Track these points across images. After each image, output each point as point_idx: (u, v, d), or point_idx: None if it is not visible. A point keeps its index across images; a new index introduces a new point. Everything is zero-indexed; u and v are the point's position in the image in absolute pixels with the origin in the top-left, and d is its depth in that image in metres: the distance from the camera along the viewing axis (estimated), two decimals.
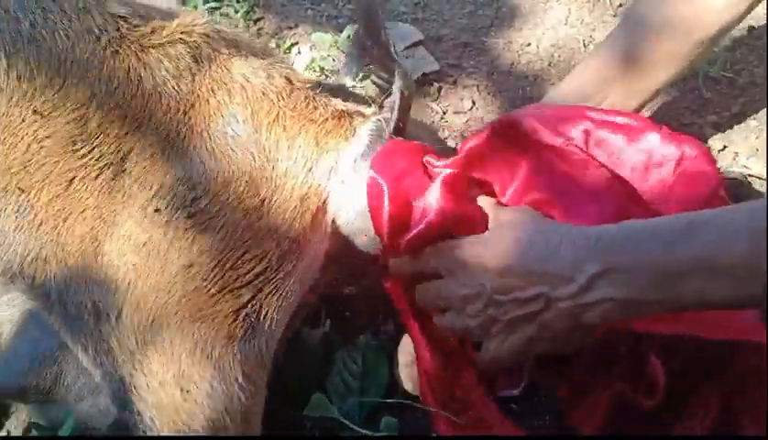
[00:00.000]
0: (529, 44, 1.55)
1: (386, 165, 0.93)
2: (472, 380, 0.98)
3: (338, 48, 1.51)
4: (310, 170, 0.94)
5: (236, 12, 1.58)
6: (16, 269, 0.85)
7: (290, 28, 1.59)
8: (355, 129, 0.97)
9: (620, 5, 1.59)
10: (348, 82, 1.47)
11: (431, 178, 0.95)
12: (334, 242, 0.99)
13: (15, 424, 1.10)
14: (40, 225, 0.85)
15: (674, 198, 0.96)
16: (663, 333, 0.89)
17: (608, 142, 0.99)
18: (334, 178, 0.95)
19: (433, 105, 1.47)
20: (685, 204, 0.94)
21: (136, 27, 0.90)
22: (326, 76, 1.50)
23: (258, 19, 1.59)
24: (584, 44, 1.54)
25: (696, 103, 1.43)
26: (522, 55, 1.54)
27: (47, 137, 0.84)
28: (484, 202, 0.95)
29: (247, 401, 0.89)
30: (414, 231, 0.92)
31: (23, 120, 0.83)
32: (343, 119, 0.98)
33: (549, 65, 1.52)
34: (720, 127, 1.40)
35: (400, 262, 0.96)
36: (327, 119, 0.96)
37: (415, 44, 1.54)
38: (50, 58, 0.84)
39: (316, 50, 1.53)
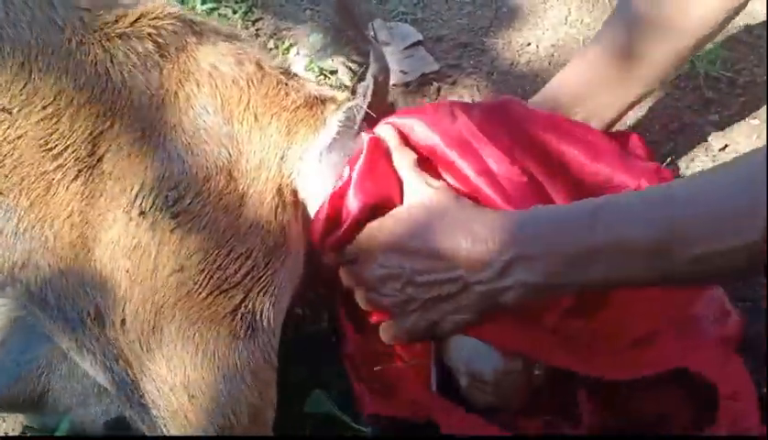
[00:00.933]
0: (528, 44, 1.54)
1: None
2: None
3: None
4: (282, 159, 0.91)
5: (235, 12, 1.58)
6: (6, 275, 0.84)
7: (289, 29, 1.58)
8: (325, 119, 0.94)
9: None
10: (346, 79, 1.47)
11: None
12: (308, 235, 0.97)
13: (12, 427, 1.09)
14: (25, 230, 0.83)
15: None
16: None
17: (569, 155, 1.02)
18: (302, 170, 0.93)
19: None
20: None
21: (98, 16, 0.87)
22: (325, 76, 1.50)
23: (257, 20, 1.58)
24: (584, 44, 1.53)
25: (698, 102, 1.42)
26: (522, 55, 1.53)
27: (18, 138, 0.82)
28: (402, 160, 0.94)
29: (256, 400, 0.88)
30: (339, 233, 0.93)
31: None
32: (315, 107, 0.95)
33: (549, 65, 1.51)
34: (721, 126, 1.39)
35: (330, 259, 0.97)
36: (299, 107, 0.94)
37: (415, 44, 1.53)
38: (14, 51, 0.81)
39: (314, 51, 1.53)
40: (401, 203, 0.93)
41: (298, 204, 0.94)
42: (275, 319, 0.91)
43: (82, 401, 0.90)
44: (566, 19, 1.57)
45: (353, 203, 0.92)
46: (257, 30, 1.56)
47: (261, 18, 1.58)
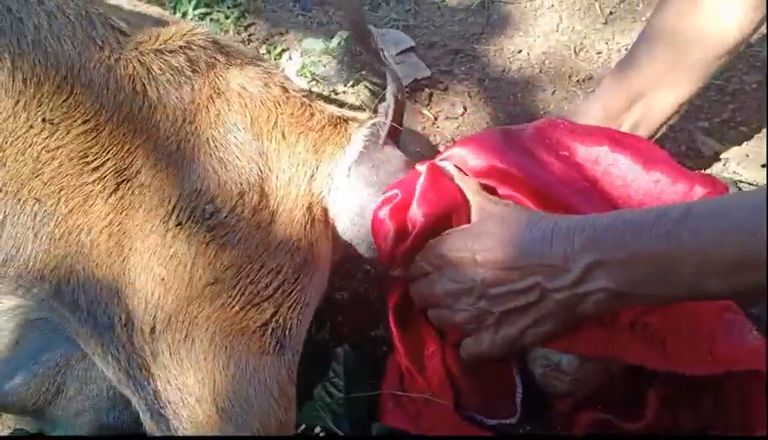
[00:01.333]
0: (520, 51, 1.55)
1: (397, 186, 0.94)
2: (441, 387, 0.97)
3: (329, 54, 1.50)
4: (311, 177, 0.93)
5: (227, 18, 1.58)
6: (36, 275, 0.83)
7: (281, 34, 1.58)
8: (350, 136, 0.97)
9: (611, 13, 1.60)
10: (340, 87, 1.48)
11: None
12: (337, 250, 0.99)
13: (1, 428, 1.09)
14: (62, 236, 0.83)
15: None
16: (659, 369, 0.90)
17: (621, 165, 1.00)
18: (332, 185, 0.95)
19: (425, 111, 1.47)
20: None
21: (133, 37, 0.89)
22: (317, 82, 1.50)
23: (249, 25, 1.58)
24: (575, 51, 1.54)
25: (687, 108, 1.43)
26: (513, 62, 1.54)
27: (58, 148, 0.82)
28: (467, 186, 0.94)
29: (282, 416, 0.88)
30: (408, 243, 0.92)
31: (31, 126, 0.81)
32: (339, 126, 0.98)
33: (540, 72, 1.52)
34: (711, 133, 1.40)
35: (399, 274, 0.96)
36: (324, 126, 0.96)
37: (407, 50, 1.54)
38: (57, 64, 0.82)
39: (307, 56, 1.53)
40: (466, 221, 0.92)
41: (327, 221, 0.96)
42: (300, 335, 0.92)
43: (95, 405, 0.89)
44: (558, 27, 1.58)
45: (417, 214, 0.91)
46: (249, 36, 1.56)
47: (254, 24, 1.58)
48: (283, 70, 1.52)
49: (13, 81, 0.81)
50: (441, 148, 1.41)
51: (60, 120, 0.82)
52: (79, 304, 0.84)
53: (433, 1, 1.64)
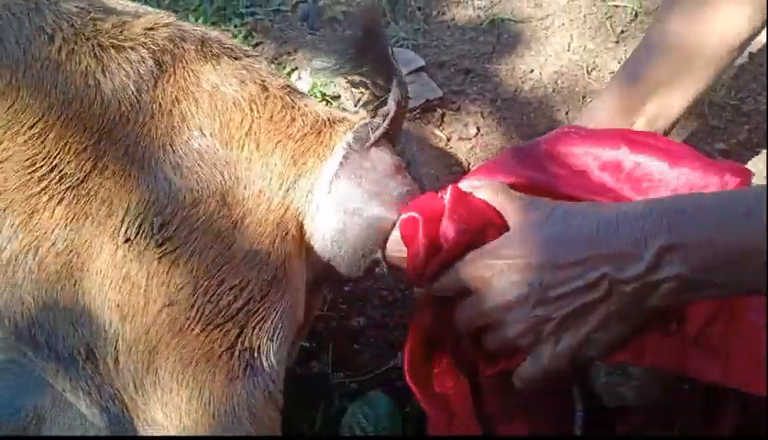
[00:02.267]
0: (532, 70, 1.53)
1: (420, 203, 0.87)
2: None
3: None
4: (287, 191, 0.84)
5: (235, 36, 1.55)
6: None
7: (289, 54, 1.56)
8: (333, 146, 0.87)
9: (622, 32, 1.58)
10: (351, 107, 1.45)
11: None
12: (319, 268, 0.90)
13: None
14: (9, 262, 0.76)
15: None
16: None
17: (645, 165, 0.93)
18: (311, 202, 0.86)
19: (437, 132, 1.44)
20: None
21: (92, 21, 0.81)
22: (328, 102, 1.48)
23: (257, 44, 1.56)
24: (587, 70, 1.52)
25: (703, 130, 1.41)
26: (525, 82, 1.52)
27: (3, 162, 0.76)
28: (493, 190, 0.87)
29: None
30: (438, 259, 0.84)
31: None
32: (323, 132, 0.87)
33: (553, 91, 1.49)
34: (729, 155, 1.38)
35: (430, 290, 0.87)
36: (306, 134, 0.86)
37: (417, 70, 1.52)
38: (1, 67, 0.76)
39: (317, 76, 1.51)
40: (499, 223, 0.84)
41: (305, 238, 0.87)
42: (276, 356, 0.83)
43: None
44: (569, 46, 1.56)
45: (450, 229, 0.84)
46: None
47: (262, 43, 1.56)
48: None
49: None
50: (455, 170, 1.39)
51: (4, 129, 0.76)
52: (38, 341, 0.78)
53: (443, 20, 1.62)
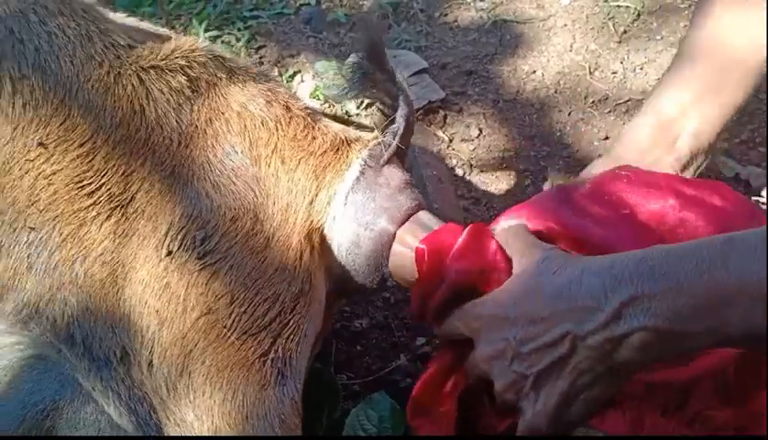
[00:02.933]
0: (534, 71, 1.53)
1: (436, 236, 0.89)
2: None
3: (342, 75, 1.49)
4: (310, 204, 0.90)
5: (238, 40, 1.56)
6: (31, 309, 0.81)
7: (292, 57, 1.57)
8: (350, 162, 0.93)
9: (625, 32, 1.58)
10: (352, 109, 1.46)
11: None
12: (337, 280, 0.95)
13: None
14: (56, 266, 0.81)
15: None
16: None
17: (689, 225, 0.89)
18: (330, 214, 0.91)
19: (440, 133, 1.45)
20: None
21: (132, 49, 0.87)
22: (330, 105, 1.48)
23: (260, 48, 1.57)
24: (589, 71, 1.53)
25: None
26: (528, 83, 1.52)
27: (53, 174, 0.80)
28: (511, 242, 0.86)
29: None
30: (433, 301, 0.86)
31: (28, 151, 0.80)
32: (341, 149, 0.93)
33: (555, 92, 1.50)
34: (731, 155, 1.38)
35: (444, 326, 0.88)
36: (326, 151, 0.92)
37: (420, 72, 1.52)
38: (56, 86, 0.81)
39: (319, 79, 1.51)
40: (505, 271, 0.85)
41: (325, 251, 0.92)
42: (301, 366, 0.88)
43: None
44: (571, 47, 1.57)
45: (450, 269, 0.85)
46: (260, 58, 1.55)
47: (264, 46, 1.57)
48: (296, 92, 1.50)
49: (13, 106, 0.80)
50: (458, 171, 1.40)
51: (56, 144, 0.80)
52: (75, 339, 0.81)
53: (446, 21, 1.62)
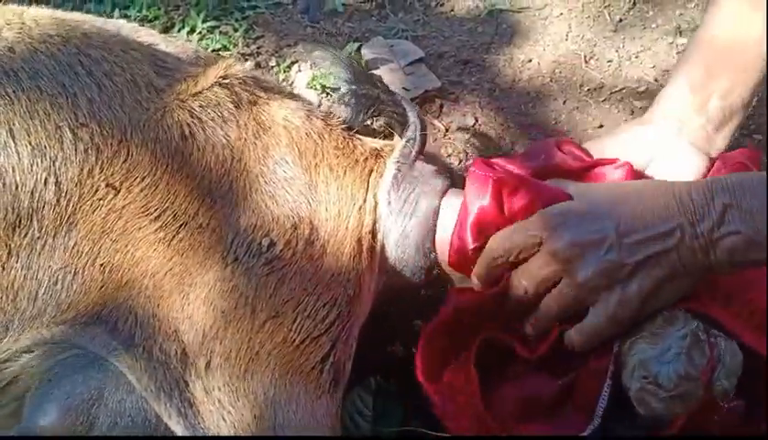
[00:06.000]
0: (530, 60, 1.55)
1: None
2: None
3: (339, 63, 1.50)
4: (359, 209, 0.97)
5: (236, 30, 1.58)
6: (93, 316, 0.86)
7: (290, 47, 1.58)
8: (387, 163, 1.01)
9: (621, 20, 1.60)
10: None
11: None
12: (385, 279, 1.02)
13: None
14: (126, 283, 0.87)
15: None
16: None
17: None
18: (376, 215, 0.98)
19: (436, 122, 1.47)
20: None
21: (172, 88, 0.94)
22: (327, 94, 1.49)
23: (258, 38, 1.58)
24: (585, 60, 1.54)
25: None
26: (524, 71, 1.54)
27: (123, 207, 0.88)
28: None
29: None
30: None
31: (96, 190, 0.87)
32: (378, 156, 1.02)
33: (551, 81, 1.52)
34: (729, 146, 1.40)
35: (505, 242, 0.91)
36: (367, 158, 1.01)
37: (416, 61, 1.54)
38: (113, 130, 0.88)
39: (316, 68, 1.52)
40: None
41: (373, 253, 0.99)
42: (348, 370, 0.95)
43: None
44: (567, 35, 1.58)
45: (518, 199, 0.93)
46: (258, 48, 1.57)
47: (262, 36, 1.59)
48: (293, 82, 1.51)
49: (75, 151, 0.87)
50: (452, 160, 1.41)
51: (121, 182, 0.88)
52: (135, 340, 0.87)
53: (442, 11, 1.64)
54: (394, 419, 1.06)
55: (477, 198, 0.95)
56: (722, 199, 0.83)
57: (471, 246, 0.95)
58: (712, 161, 1.08)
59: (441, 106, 1.49)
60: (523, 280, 0.90)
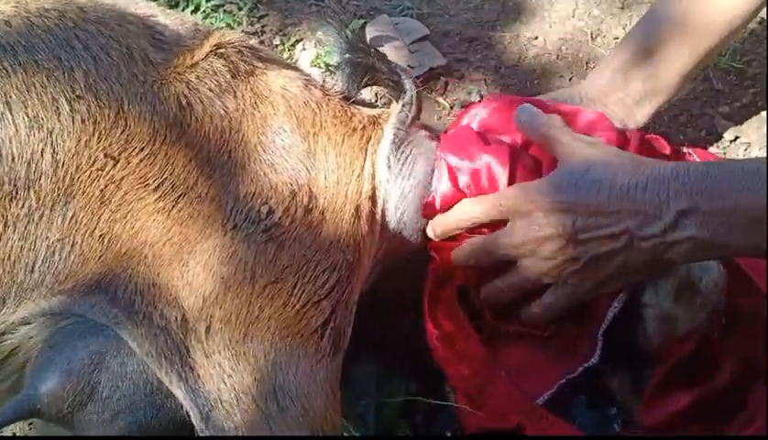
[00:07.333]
0: (536, 37, 1.55)
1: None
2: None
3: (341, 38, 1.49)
4: (358, 176, 0.98)
5: (240, 9, 1.58)
6: (92, 285, 0.87)
7: (294, 25, 1.59)
8: (384, 130, 1.03)
9: None
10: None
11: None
12: (384, 244, 1.03)
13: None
14: (126, 253, 0.88)
15: None
16: None
17: None
18: (376, 181, 1.00)
19: (441, 100, 1.47)
20: None
21: (169, 62, 0.94)
22: (331, 73, 1.49)
23: (262, 17, 1.59)
24: (591, 37, 1.54)
25: (707, 93, 1.44)
26: (530, 49, 1.53)
27: (122, 178, 0.88)
28: (555, 127, 0.95)
29: (336, 419, 0.92)
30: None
31: (94, 162, 0.87)
32: (375, 123, 1.04)
33: (557, 58, 1.52)
34: (731, 118, 1.40)
35: (469, 212, 0.96)
36: (365, 126, 1.02)
37: (421, 39, 1.54)
38: (110, 102, 0.89)
39: (321, 46, 1.52)
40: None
41: (373, 219, 1.00)
42: (348, 336, 0.96)
43: (132, 405, 0.88)
44: (574, 12, 1.58)
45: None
46: (262, 27, 1.57)
47: (267, 15, 1.59)
48: (297, 60, 1.51)
49: (73, 122, 0.87)
50: None
51: (119, 153, 0.88)
52: (135, 308, 0.88)
53: None
54: (398, 390, 1.07)
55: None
56: (680, 202, 0.81)
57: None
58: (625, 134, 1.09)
59: (446, 84, 1.49)
60: (493, 247, 0.94)
